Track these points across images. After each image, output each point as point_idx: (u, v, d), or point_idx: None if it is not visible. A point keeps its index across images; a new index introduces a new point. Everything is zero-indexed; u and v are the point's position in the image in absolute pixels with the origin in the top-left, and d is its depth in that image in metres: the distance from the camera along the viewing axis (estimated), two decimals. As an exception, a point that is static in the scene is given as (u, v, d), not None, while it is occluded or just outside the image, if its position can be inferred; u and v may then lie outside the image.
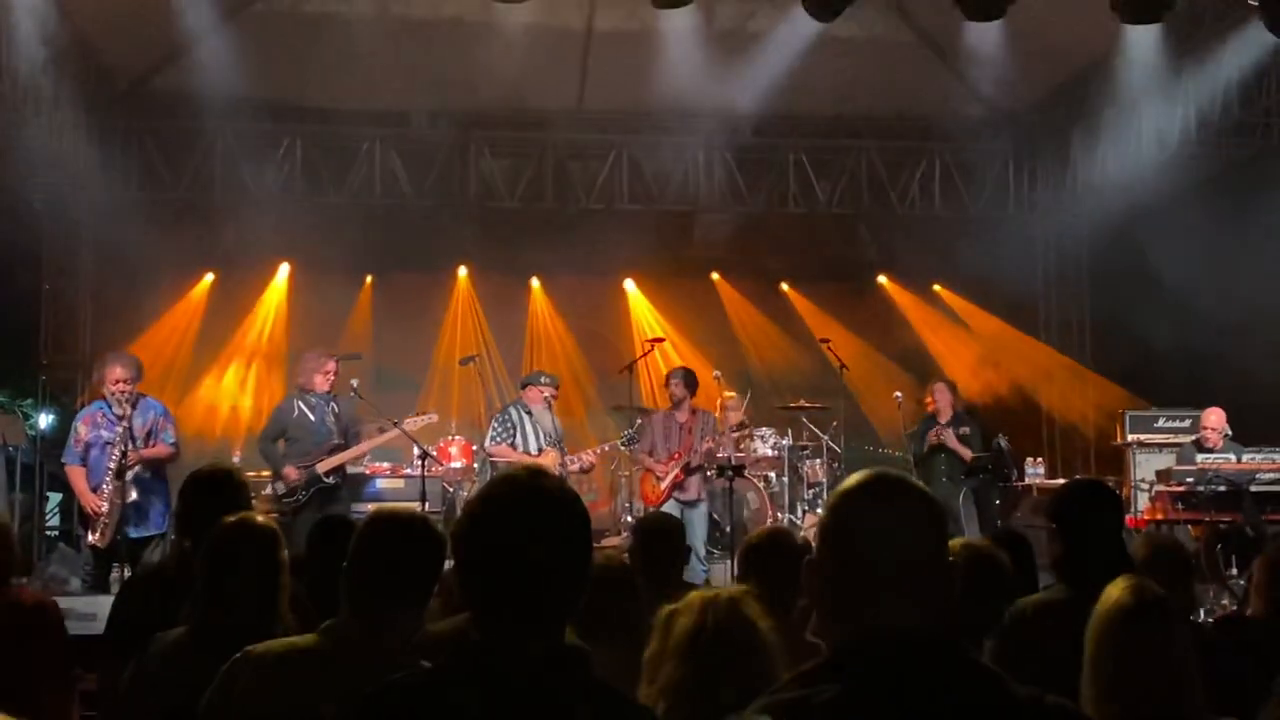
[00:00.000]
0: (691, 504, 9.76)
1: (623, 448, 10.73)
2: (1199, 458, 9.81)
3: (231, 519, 3.54)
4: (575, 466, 10.05)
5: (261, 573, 3.38)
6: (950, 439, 10.62)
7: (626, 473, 11.72)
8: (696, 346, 13.57)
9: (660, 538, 5.09)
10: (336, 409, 9.05)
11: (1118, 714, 2.79)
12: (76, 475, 8.11)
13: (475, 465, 10.91)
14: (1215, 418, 10.26)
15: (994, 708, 1.88)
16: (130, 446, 7.94)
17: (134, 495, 7.98)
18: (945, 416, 10.83)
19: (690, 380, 10.07)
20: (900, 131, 13.24)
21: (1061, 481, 10.44)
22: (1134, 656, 2.84)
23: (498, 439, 9.74)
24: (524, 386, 10.10)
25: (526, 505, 2.09)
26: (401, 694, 2.07)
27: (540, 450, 9.67)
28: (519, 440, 9.73)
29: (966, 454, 10.55)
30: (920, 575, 1.93)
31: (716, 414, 10.92)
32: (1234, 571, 8.86)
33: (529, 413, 9.86)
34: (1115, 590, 2.94)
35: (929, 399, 11.09)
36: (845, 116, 13.01)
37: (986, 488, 10.69)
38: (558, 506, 2.10)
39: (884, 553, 1.93)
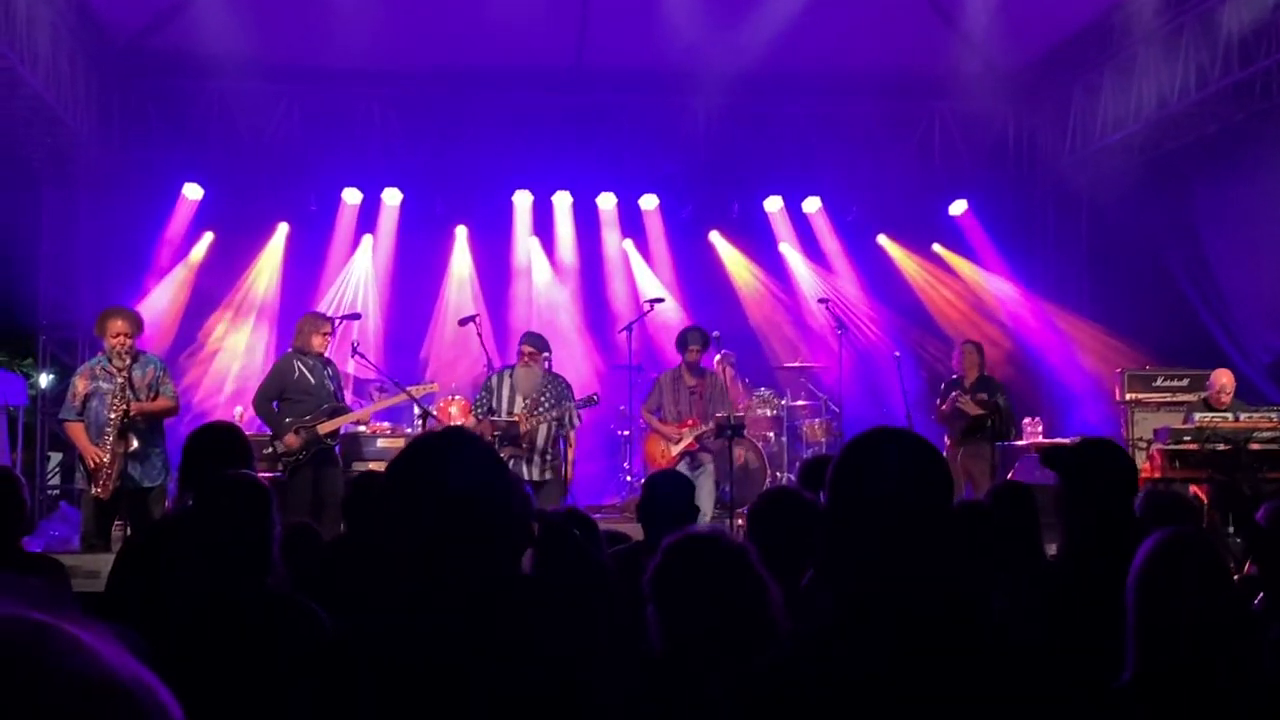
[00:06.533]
0: (700, 467, 9.73)
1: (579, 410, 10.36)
2: (1195, 416, 9.76)
3: (227, 475, 3.58)
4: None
5: (253, 528, 3.41)
6: (969, 405, 10.31)
7: (626, 431, 11.71)
8: (696, 306, 13.50)
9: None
10: (332, 371, 9.08)
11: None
12: (76, 431, 8.07)
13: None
14: (1225, 379, 10.23)
15: (997, 662, 1.90)
16: (131, 397, 7.97)
17: (135, 444, 7.99)
18: (970, 380, 10.65)
19: (706, 341, 9.91)
20: (900, 90, 13.16)
21: (1059, 441, 10.45)
22: None
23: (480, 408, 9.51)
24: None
25: (445, 451, 2.32)
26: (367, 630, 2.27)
27: (510, 414, 9.34)
28: (495, 404, 9.46)
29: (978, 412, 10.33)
30: (923, 527, 1.94)
31: (721, 373, 10.89)
32: (1230, 530, 8.84)
33: (510, 374, 9.59)
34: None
35: (955, 361, 10.99)
36: (844, 74, 12.94)
37: (987, 447, 10.62)
38: (472, 453, 2.33)
39: (888, 503, 1.95)
